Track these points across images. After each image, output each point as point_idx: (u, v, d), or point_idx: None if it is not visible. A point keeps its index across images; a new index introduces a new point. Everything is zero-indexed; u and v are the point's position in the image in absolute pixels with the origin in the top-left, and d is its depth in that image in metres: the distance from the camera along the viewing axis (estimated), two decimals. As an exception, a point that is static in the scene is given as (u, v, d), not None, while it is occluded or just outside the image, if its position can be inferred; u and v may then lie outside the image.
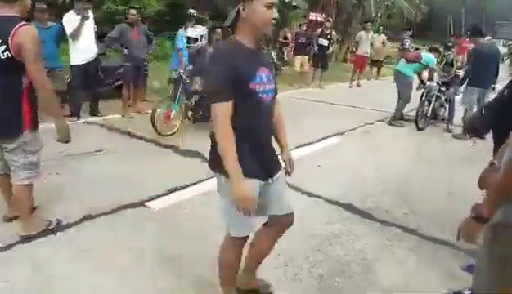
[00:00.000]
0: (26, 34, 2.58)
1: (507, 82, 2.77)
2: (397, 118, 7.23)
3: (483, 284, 1.59)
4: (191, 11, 7.95)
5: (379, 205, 3.84)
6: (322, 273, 2.75)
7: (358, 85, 11.79)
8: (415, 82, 7.32)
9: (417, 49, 11.75)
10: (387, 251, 3.11)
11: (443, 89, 7.06)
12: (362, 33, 11.97)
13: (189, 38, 5.79)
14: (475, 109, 5.61)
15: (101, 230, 3.12)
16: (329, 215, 3.62)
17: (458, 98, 6.98)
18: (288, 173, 2.29)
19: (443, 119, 7.24)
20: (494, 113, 2.67)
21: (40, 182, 3.09)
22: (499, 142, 2.63)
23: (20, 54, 2.58)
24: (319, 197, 3.93)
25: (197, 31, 5.81)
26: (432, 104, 6.97)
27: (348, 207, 3.75)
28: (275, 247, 2.95)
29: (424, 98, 6.97)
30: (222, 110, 1.80)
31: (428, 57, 7.09)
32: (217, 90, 1.82)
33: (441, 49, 7.78)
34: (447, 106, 7.17)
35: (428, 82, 7.14)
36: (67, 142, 3.06)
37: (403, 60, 7.40)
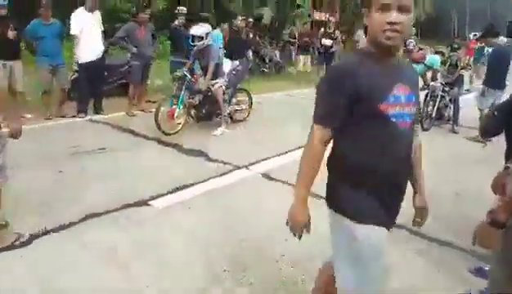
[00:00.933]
0: None
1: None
2: None
3: (497, 287, 1.55)
4: (180, 8, 7.90)
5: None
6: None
7: None
8: (419, 82, 7.28)
9: (421, 49, 11.64)
10: (395, 253, 3.06)
11: (447, 89, 7.00)
12: (360, 32, 11.75)
13: (193, 37, 5.75)
14: (486, 111, 5.55)
15: (104, 229, 3.09)
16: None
17: (470, 98, 6.90)
18: (416, 223, 1.94)
19: (448, 120, 7.18)
20: (506, 115, 2.62)
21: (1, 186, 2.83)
22: (511, 145, 2.59)
23: None
24: (324, 197, 3.88)
25: (201, 29, 5.77)
26: (436, 105, 6.91)
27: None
28: (279, 248, 2.94)
29: (428, 98, 6.91)
30: (318, 135, 1.55)
31: (433, 58, 7.07)
32: (321, 110, 1.55)
33: (446, 50, 7.72)
34: (452, 106, 7.10)
35: (431, 83, 7.07)
36: (16, 138, 2.68)
37: (407, 60, 7.33)
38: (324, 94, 1.55)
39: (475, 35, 16.72)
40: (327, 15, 14.63)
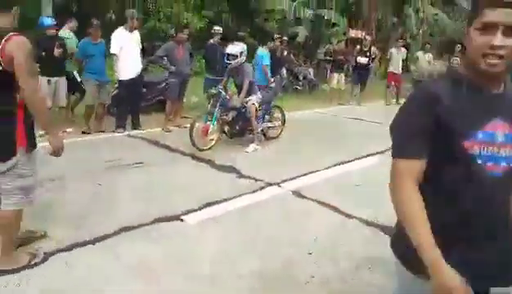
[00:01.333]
0: (17, 45, 2.36)
1: None
2: None
3: None
4: (216, 28, 8.11)
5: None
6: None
7: (398, 102, 11.41)
8: None
9: None
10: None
11: None
12: (393, 49, 11.55)
13: (228, 55, 5.88)
14: None
15: (138, 242, 3.15)
16: (367, 237, 3.49)
17: None
18: None
19: None
20: None
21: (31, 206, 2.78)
22: None
23: (11, 66, 2.36)
24: (358, 218, 3.80)
25: (237, 48, 5.89)
26: None
27: (386, 230, 3.59)
28: (308, 269, 2.89)
29: None
30: (402, 169, 1.29)
31: None
32: (399, 140, 1.33)
33: None
34: None
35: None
36: (58, 156, 2.73)
37: None
38: (402, 120, 1.33)
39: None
40: (363, 33, 14.55)
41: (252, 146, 5.86)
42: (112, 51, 6.28)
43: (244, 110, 5.95)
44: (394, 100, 11.42)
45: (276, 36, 9.46)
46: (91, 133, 6.28)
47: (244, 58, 5.95)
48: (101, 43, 6.35)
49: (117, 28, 6.54)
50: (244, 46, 6.11)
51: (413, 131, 1.28)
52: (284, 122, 6.78)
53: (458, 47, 12.74)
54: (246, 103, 5.89)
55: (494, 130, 1.24)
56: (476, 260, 1.25)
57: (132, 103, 6.67)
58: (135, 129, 6.69)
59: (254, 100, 5.96)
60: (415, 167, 1.28)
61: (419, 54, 11.66)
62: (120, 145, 5.86)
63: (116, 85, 6.66)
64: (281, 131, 6.74)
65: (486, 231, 1.27)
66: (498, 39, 1.16)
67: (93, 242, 3.09)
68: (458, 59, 10.92)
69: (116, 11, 12.74)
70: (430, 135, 1.25)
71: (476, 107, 1.25)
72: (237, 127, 6.07)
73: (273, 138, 6.62)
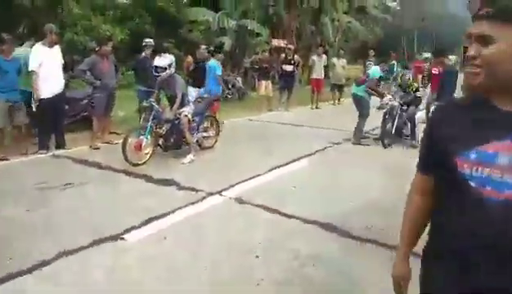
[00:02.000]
0: None
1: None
2: (359, 137, 7.51)
3: None
4: (147, 40, 8.03)
5: (355, 222, 3.92)
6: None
7: (317, 107, 12.05)
8: (374, 100, 7.71)
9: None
10: (368, 268, 3.17)
11: (404, 108, 7.43)
12: (315, 57, 12.21)
13: (156, 67, 5.82)
14: None
15: (77, 267, 3.00)
16: (307, 235, 3.66)
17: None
18: None
19: (407, 136, 7.58)
20: None
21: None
22: None
23: None
24: (296, 218, 3.97)
25: (165, 61, 5.85)
26: (395, 123, 7.29)
27: (326, 227, 3.81)
28: (258, 272, 2.97)
29: (387, 117, 7.28)
30: (414, 181, 1.42)
31: (373, 70, 7.66)
32: (419, 155, 1.40)
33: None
34: (409, 124, 7.54)
35: (390, 102, 7.43)
36: None
37: (354, 83, 8.08)
38: (422, 139, 1.39)
39: (421, 55, 17.92)
40: (285, 42, 15.15)
41: (188, 157, 5.83)
42: (31, 68, 5.87)
43: (177, 122, 5.90)
44: (315, 106, 12.07)
45: (203, 46, 9.48)
46: (8, 159, 5.71)
47: (173, 69, 5.92)
48: (15, 59, 5.89)
49: (29, 42, 6.12)
50: (173, 58, 6.08)
51: (423, 151, 1.37)
52: (218, 131, 6.84)
53: (371, 52, 13.88)
54: (179, 115, 5.86)
55: (495, 150, 1.14)
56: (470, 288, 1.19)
57: (55, 121, 6.27)
58: (59, 148, 6.30)
59: (187, 111, 5.95)
60: (423, 182, 1.37)
61: (335, 60, 12.66)
62: (46, 167, 5.49)
63: (36, 104, 6.21)
64: (216, 140, 6.78)
65: (478, 262, 1.16)
66: (472, 49, 1.17)
67: (30, 270, 2.89)
68: (372, 62, 11.94)
69: (27, 24, 11.90)
70: (432, 158, 1.30)
71: (478, 126, 1.18)
72: (172, 140, 6.00)
73: (209, 148, 6.64)
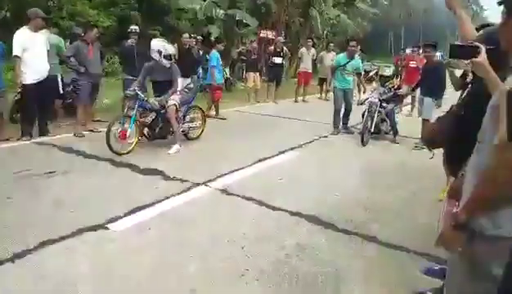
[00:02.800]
0: None
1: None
2: (337, 127, 7.79)
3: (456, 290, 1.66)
4: (132, 27, 7.92)
5: (340, 215, 3.96)
6: (293, 286, 2.79)
7: (304, 100, 11.94)
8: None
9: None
10: (352, 259, 3.22)
11: (384, 105, 7.40)
12: (303, 49, 12.10)
13: (160, 53, 5.83)
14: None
15: (60, 256, 2.96)
16: (293, 227, 3.68)
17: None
18: None
19: (386, 133, 7.59)
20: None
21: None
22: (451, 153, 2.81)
23: None
24: (282, 210, 3.99)
25: (173, 49, 5.89)
26: (374, 120, 7.17)
27: (311, 219, 3.84)
28: (243, 262, 2.99)
29: (366, 114, 7.20)
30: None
31: (338, 57, 8.00)
32: None
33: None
34: (388, 120, 7.51)
35: (370, 99, 7.29)
36: None
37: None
38: None
39: (404, 50, 18.01)
40: (273, 34, 15.05)
41: (175, 147, 5.78)
42: (14, 52, 5.72)
43: (163, 111, 5.85)
44: (301, 98, 11.99)
45: (187, 34, 9.36)
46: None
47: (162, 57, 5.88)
48: (-4, 45, 5.75)
49: (13, 27, 5.97)
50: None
51: None
52: (204, 121, 6.80)
53: (353, 43, 13.71)
54: (166, 103, 5.80)
55: None
56: None
57: (40, 108, 6.14)
58: (43, 135, 6.19)
59: (175, 100, 5.89)
60: None
61: (323, 53, 12.46)
62: (28, 154, 5.38)
63: (19, 89, 6.07)
64: (202, 130, 6.75)
65: None
66: None
67: (11, 259, 2.84)
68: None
69: (11, 8, 11.57)
70: None
71: None
72: (158, 129, 5.95)
73: (195, 138, 6.61)
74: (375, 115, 7.16)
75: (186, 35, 9.04)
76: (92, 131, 6.62)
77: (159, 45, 5.89)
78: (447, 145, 2.89)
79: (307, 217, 3.87)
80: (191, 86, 7.14)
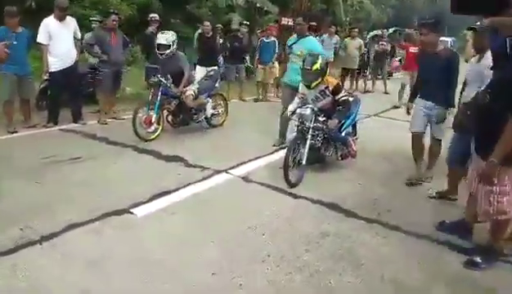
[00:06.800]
0: None
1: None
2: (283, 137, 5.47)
3: None
4: (152, 15, 7.93)
5: (361, 203, 3.93)
6: (313, 273, 2.79)
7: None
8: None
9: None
10: (373, 247, 3.20)
11: (322, 119, 4.46)
12: (325, 36, 11.33)
13: (160, 45, 5.79)
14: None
15: (85, 240, 3.05)
16: (314, 215, 3.68)
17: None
18: None
19: (342, 157, 4.84)
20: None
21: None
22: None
23: None
24: (303, 197, 3.98)
25: (169, 38, 5.83)
26: (306, 149, 4.32)
27: (333, 207, 3.82)
28: (264, 248, 3.00)
29: (294, 135, 4.52)
30: None
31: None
32: None
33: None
34: (336, 146, 4.76)
35: (298, 110, 4.48)
36: None
37: None
38: None
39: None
40: (293, 21, 14.83)
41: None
42: (39, 40, 5.84)
43: (183, 99, 5.88)
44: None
45: (207, 23, 9.27)
46: (17, 131, 5.75)
47: (176, 47, 5.88)
48: (23, 32, 5.85)
49: (39, 16, 6.07)
50: (175, 35, 6.00)
51: None
52: (227, 109, 6.81)
53: (385, 32, 13.00)
54: (183, 93, 5.83)
55: None
56: None
57: (69, 95, 6.27)
58: (76, 122, 6.32)
59: (191, 89, 5.90)
60: None
61: (347, 40, 11.53)
62: (54, 141, 5.51)
63: (46, 77, 6.20)
64: (225, 118, 6.76)
65: None
66: None
67: (40, 241, 2.94)
68: (385, 43, 11.36)
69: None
70: None
71: None
72: (181, 116, 6.00)
73: (217, 126, 6.63)
74: (309, 137, 4.36)
75: (207, 23, 9.00)
76: (115, 118, 6.72)
77: (158, 39, 5.87)
78: (476, 132, 2.83)
79: (328, 205, 3.85)
80: (212, 73, 7.11)
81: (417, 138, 4.45)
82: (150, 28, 7.69)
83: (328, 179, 4.56)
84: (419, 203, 4.04)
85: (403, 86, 9.14)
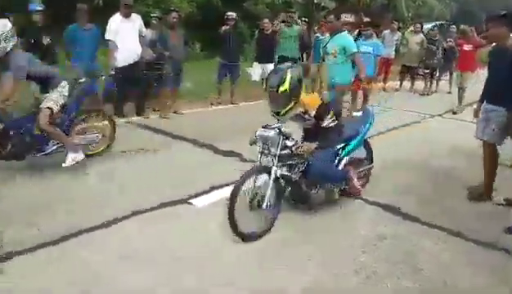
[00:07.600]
0: None
1: None
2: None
3: None
4: (229, 13, 8.06)
5: (420, 207, 3.80)
6: (370, 275, 2.75)
7: (384, 89, 10.59)
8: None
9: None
10: (433, 252, 3.08)
11: (291, 144, 3.21)
12: (387, 32, 10.75)
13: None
14: None
15: (146, 226, 3.21)
16: (371, 217, 3.61)
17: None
18: None
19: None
20: None
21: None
22: None
23: None
24: (360, 198, 3.91)
25: None
26: (267, 194, 3.12)
27: (390, 209, 3.73)
28: (318, 249, 2.99)
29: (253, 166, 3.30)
30: None
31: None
32: None
33: None
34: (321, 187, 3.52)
35: (259, 131, 3.21)
36: None
37: None
38: None
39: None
40: (353, 17, 14.50)
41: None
42: (106, 36, 6.19)
43: None
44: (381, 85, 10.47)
45: (266, 20, 9.27)
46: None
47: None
48: (93, 29, 6.23)
49: (106, 13, 6.40)
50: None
51: None
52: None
53: (453, 28, 11.71)
54: None
55: None
56: None
57: (134, 89, 6.61)
58: (139, 116, 6.64)
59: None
60: None
61: (409, 36, 10.92)
62: (120, 132, 5.79)
63: (112, 72, 6.57)
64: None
65: None
66: None
67: (106, 226, 3.16)
68: (452, 40, 10.39)
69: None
70: None
71: None
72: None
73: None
74: (270, 183, 3.11)
75: (267, 20, 9.05)
76: (176, 112, 6.97)
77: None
78: None
79: (385, 207, 3.76)
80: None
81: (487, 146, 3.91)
82: (227, 26, 7.85)
83: (385, 180, 4.44)
84: (484, 209, 3.83)
85: (463, 88, 8.55)
